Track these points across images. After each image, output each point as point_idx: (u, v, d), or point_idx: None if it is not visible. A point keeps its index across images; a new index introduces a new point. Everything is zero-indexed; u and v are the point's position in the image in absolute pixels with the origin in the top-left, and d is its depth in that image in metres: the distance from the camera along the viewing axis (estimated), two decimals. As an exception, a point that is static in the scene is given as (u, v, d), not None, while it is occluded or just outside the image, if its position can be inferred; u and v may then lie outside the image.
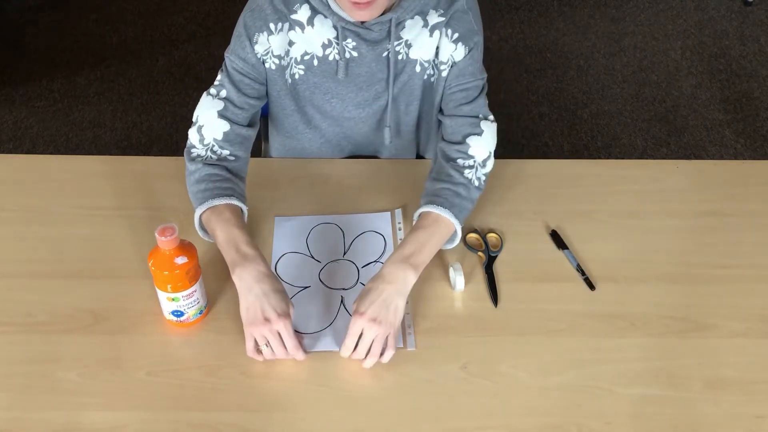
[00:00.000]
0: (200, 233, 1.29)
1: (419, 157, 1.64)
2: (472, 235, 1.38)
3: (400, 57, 1.37)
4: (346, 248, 1.36)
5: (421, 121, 1.51)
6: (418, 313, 1.26)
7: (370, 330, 1.15)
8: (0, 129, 2.77)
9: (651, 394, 1.16)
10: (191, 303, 1.20)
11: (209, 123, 1.32)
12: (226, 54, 1.36)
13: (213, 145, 1.31)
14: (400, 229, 1.40)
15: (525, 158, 1.63)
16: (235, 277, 1.18)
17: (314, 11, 1.32)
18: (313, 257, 1.34)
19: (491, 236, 1.39)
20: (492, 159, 1.37)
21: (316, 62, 1.38)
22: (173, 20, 3.30)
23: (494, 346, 1.22)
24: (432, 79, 1.42)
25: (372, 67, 1.38)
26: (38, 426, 1.10)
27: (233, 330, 1.23)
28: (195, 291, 1.19)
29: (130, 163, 1.53)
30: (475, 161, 1.34)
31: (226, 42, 1.43)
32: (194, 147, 1.32)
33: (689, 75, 3.08)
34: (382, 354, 1.17)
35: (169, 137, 2.75)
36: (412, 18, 1.34)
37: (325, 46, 1.35)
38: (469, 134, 1.35)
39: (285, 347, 1.16)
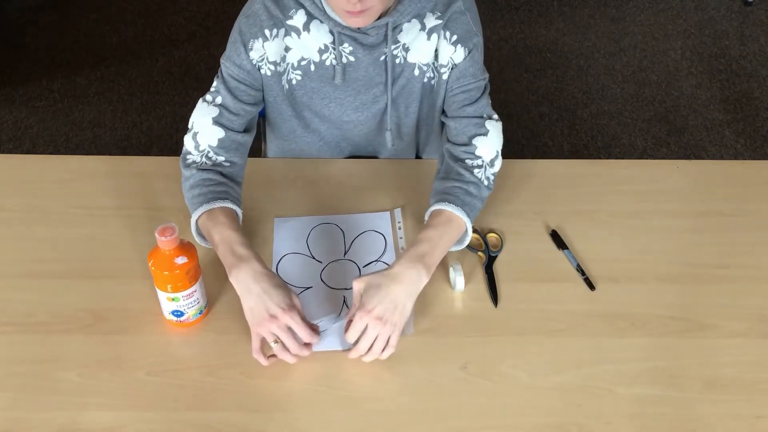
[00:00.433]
0: (198, 239, 1.28)
1: (418, 157, 1.64)
2: (472, 235, 1.38)
3: (397, 61, 1.37)
4: (346, 248, 1.36)
5: (420, 123, 1.51)
6: (418, 313, 1.26)
7: (374, 328, 1.14)
8: (0, 129, 2.77)
9: (651, 394, 1.16)
10: (191, 303, 1.20)
11: (204, 129, 1.31)
12: (221, 60, 1.36)
13: (208, 152, 1.31)
14: (399, 228, 1.40)
15: (525, 158, 1.63)
16: (232, 280, 1.17)
17: (310, 16, 1.32)
18: (313, 258, 1.34)
19: (491, 236, 1.39)
20: (500, 158, 1.37)
21: (313, 67, 1.37)
22: (173, 20, 3.30)
23: (494, 346, 1.22)
24: (432, 83, 1.41)
25: (369, 71, 1.38)
26: (38, 426, 1.10)
27: (233, 330, 1.23)
28: (195, 291, 1.19)
29: (130, 163, 1.53)
30: (483, 161, 1.34)
31: (226, 42, 1.43)
32: (189, 153, 1.32)
33: (689, 75, 3.08)
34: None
35: (169, 137, 2.75)
36: (409, 21, 1.33)
37: (321, 51, 1.35)
38: (475, 135, 1.35)
39: (295, 341, 1.14)
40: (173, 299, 1.18)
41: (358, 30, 1.31)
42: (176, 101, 2.90)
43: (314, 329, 1.17)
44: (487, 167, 1.34)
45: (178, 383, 1.16)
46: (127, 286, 1.29)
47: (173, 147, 2.70)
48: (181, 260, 1.15)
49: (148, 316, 1.24)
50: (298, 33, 1.33)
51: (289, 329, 1.14)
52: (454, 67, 1.37)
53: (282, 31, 1.33)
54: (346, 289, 1.29)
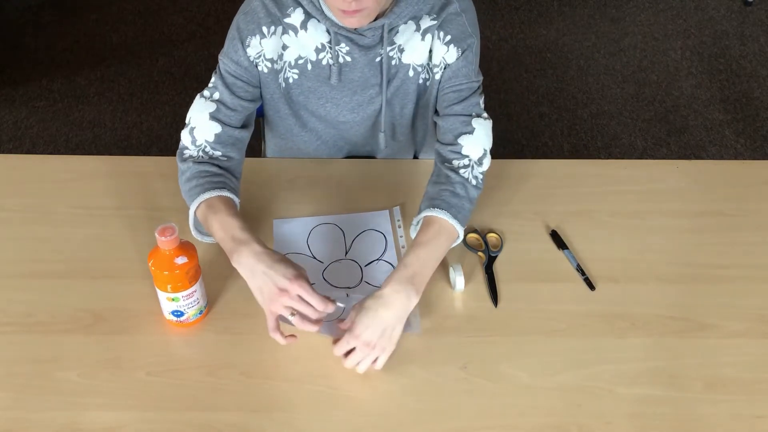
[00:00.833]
0: (194, 234, 1.28)
1: (415, 157, 1.64)
2: (472, 235, 1.38)
3: (393, 62, 1.37)
4: (347, 248, 1.36)
5: (416, 124, 1.51)
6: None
7: (361, 352, 1.15)
8: (0, 129, 2.77)
9: (651, 394, 1.16)
10: (191, 303, 1.20)
11: (201, 125, 1.31)
12: (219, 56, 1.36)
13: (205, 146, 1.31)
14: (399, 227, 1.40)
15: (525, 158, 1.63)
16: (235, 264, 1.16)
17: (308, 15, 1.32)
18: (315, 258, 1.34)
19: (491, 236, 1.39)
20: (488, 157, 1.36)
21: (310, 66, 1.38)
22: (173, 20, 3.30)
23: (494, 346, 1.22)
24: (427, 84, 1.41)
25: (365, 72, 1.38)
26: (38, 426, 1.10)
27: (233, 330, 1.23)
28: (195, 291, 1.19)
29: (130, 163, 1.53)
30: (470, 160, 1.33)
31: (224, 42, 1.43)
32: (186, 148, 1.32)
33: (689, 75, 3.08)
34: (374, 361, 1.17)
35: (169, 137, 2.75)
36: (405, 23, 1.34)
37: (318, 51, 1.35)
38: (461, 133, 1.34)
39: (312, 308, 1.13)
40: (173, 299, 1.18)
41: (355, 31, 1.31)
42: (176, 101, 2.90)
43: (327, 298, 1.14)
44: (475, 166, 1.33)
45: (178, 383, 1.16)
46: (127, 286, 1.29)
47: (173, 147, 2.66)
48: (181, 260, 1.15)
49: (148, 316, 1.24)
50: (296, 31, 1.33)
51: (302, 299, 1.13)
52: (446, 66, 1.37)
53: (279, 29, 1.33)
54: (348, 288, 1.29)
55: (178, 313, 1.21)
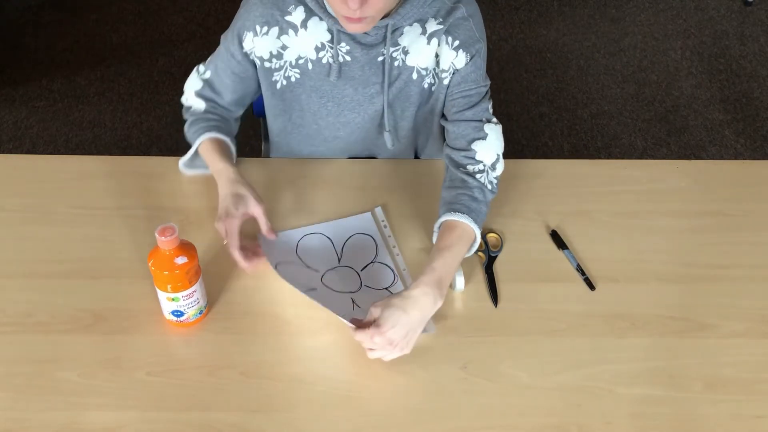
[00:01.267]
0: (182, 168, 1.45)
1: (416, 157, 1.64)
2: (472, 235, 1.38)
3: (396, 63, 1.37)
4: (339, 255, 1.35)
5: (418, 128, 1.51)
6: (418, 313, 1.26)
7: (383, 349, 1.15)
8: (0, 129, 2.77)
9: (651, 394, 1.16)
10: (191, 303, 1.20)
11: (190, 98, 1.47)
12: (221, 37, 1.41)
13: (196, 110, 1.46)
14: (386, 227, 1.39)
15: (525, 158, 1.63)
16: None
17: (309, 13, 1.33)
18: (309, 267, 1.32)
19: (491, 236, 1.39)
20: (501, 161, 1.37)
21: (310, 65, 1.38)
22: (173, 20, 3.30)
23: (494, 346, 1.22)
24: (432, 88, 1.41)
25: (366, 71, 1.38)
26: (38, 426, 1.10)
27: (233, 330, 1.23)
28: (195, 291, 1.19)
29: (130, 163, 1.53)
30: (485, 165, 1.34)
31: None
32: (184, 106, 1.50)
33: (689, 75, 3.08)
34: None
35: (169, 137, 2.74)
36: (411, 25, 1.34)
37: (318, 49, 1.36)
38: (474, 139, 1.35)
39: (233, 246, 1.26)
40: (173, 299, 1.18)
41: None
42: (176, 101, 2.87)
43: (254, 252, 1.28)
44: (489, 171, 1.34)
45: (178, 383, 1.16)
46: (127, 286, 1.29)
47: (173, 147, 2.70)
48: (181, 260, 1.15)
49: (148, 316, 1.24)
50: (296, 30, 1.34)
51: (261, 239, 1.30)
52: (455, 72, 1.37)
53: (275, 29, 1.35)
54: (351, 292, 1.29)
55: (178, 313, 1.21)
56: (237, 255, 1.26)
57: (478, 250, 1.35)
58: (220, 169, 1.34)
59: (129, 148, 2.70)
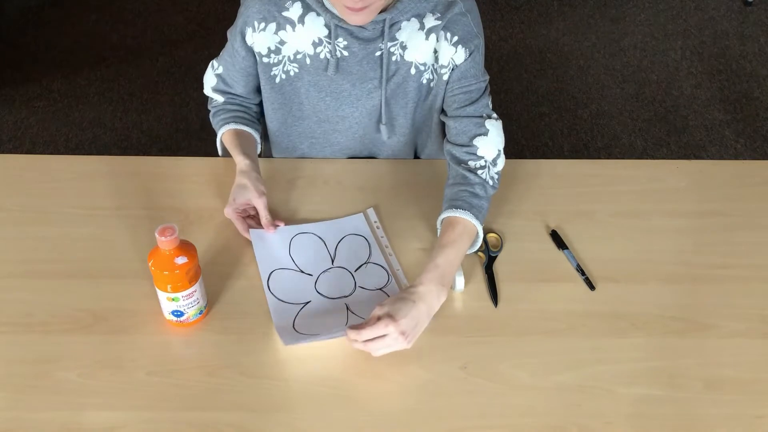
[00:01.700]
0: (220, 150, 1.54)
1: (417, 157, 1.64)
2: (472, 235, 1.38)
3: (394, 58, 1.37)
4: (332, 256, 1.35)
5: (417, 124, 1.51)
6: (418, 313, 1.26)
7: (395, 340, 1.14)
8: (0, 129, 2.77)
9: (651, 394, 1.16)
10: (191, 303, 1.20)
11: (209, 93, 1.52)
12: (228, 32, 1.44)
13: (218, 103, 1.53)
14: (378, 228, 1.39)
15: (525, 158, 1.63)
16: None
17: (307, 8, 1.34)
18: (303, 272, 1.32)
19: (491, 236, 1.39)
20: (502, 157, 1.38)
21: (308, 60, 1.39)
22: (173, 20, 3.30)
23: (494, 346, 1.22)
24: (431, 84, 1.42)
25: (363, 66, 1.38)
26: (38, 426, 1.10)
27: (233, 330, 1.23)
28: (195, 291, 1.19)
29: (130, 163, 1.53)
30: (486, 161, 1.35)
31: (226, 42, 1.44)
32: (209, 99, 1.56)
33: (689, 75, 3.08)
34: None
35: (169, 137, 2.75)
36: (408, 20, 1.34)
37: (315, 45, 1.37)
38: (476, 135, 1.36)
39: (241, 227, 1.36)
40: (173, 299, 1.18)
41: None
42: (176, 101, 2.90)
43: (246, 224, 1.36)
44: (491, 167, 1.35)
45: (178, 383, 1.16)
46: (127, 286, 1.29)
47: (173, 147, 2.70)
48: (181, 260, 1.15)
49: (148, 316, 1.24)
50: (293, 25, 1.35)
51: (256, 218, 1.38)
52: (455, 67, 1.37)
53: (273, 25, 1.36)
54: (345, 296, 1.28)
55: (178, 313, 1.21)
56: (246, 236, 1.36)
57: (478, 250, 1.35)
58: (236, 161, 1.41)
59: (129, 148, 2.70)
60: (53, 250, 1.35)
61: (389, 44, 1.35)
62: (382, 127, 1.47)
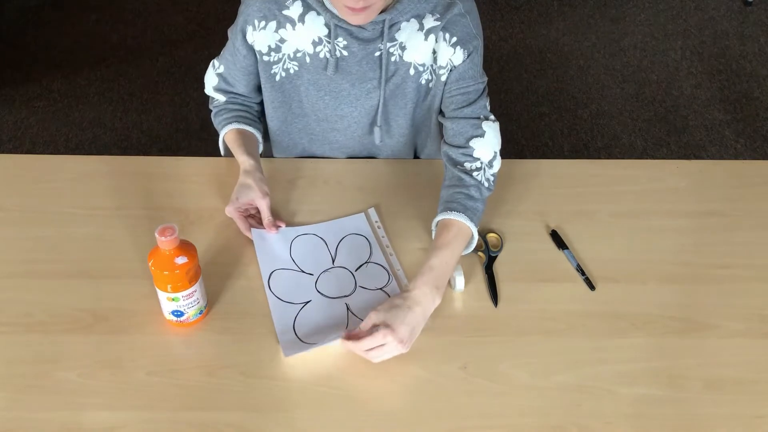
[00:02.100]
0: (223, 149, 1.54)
1: (416, 157, 1.64)
2: (472, 235, 1.38)
3: (393, 59, 1.37)
4: (333, 256, 1.35)
5: (416, 125, 1.51)
6: (418, 313, 1.26)
7: (394, 348, 1.15)
8: (0, 129, 2.77)
9: (651, 394, 1.16)
10: (191, 303, 1.20)
11: (210, 92, 1.53)
12: (228, 31, 1.44)
13: (219, 103, 1.53)
14: (379, 228, 1.39)
15: (525, 158, 1.63)
16: None
17: (307, 7, 1.34)
18: (303, 271, 1.32)
19: (491, 236, 1.39)
20: (498, 159, 1.38)
21: (308, 59, 1.39)
22: (173, 20, 3.30)
23: (494, 346, 1.22)
24: (430, 85, 1.42)
25: (363, 66, 1.38)
26: (38, 426, 1.10)
27: (233, 330, 1.23)
28: (195, 291, 1.19)
29: (130, 163, 1.53)
30: (482, 163, 1.35)
31: (226, 42, 1.44)
32: (210, 98, 1.56)
33: (689, 75, 3.08)
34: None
35: (169, 137, 2.75)
36: (408, 21, 1.34)
37: (315, 44, 1.37)
38: (472, 136, 1.36)
39: (242, 226, 1.37)
40: (173, 299, 1.18)
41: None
42: (176, 101, 2.90)
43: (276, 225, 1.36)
44: (486, 168, 1.35)
45: (178, 383, 1.16)
46: (127, 286, 1.29)
47: (173, 147, 2.70)
48: (181, 260, 1.15)
49: (148, 316, 1.24)
50: (293, 24, 1.35)
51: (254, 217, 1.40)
52: (453, 68, 1.37)
53: (273, 24, 1.36)
54: (345, 296, 1.29)
55: (178, 313, 1.21)
56: (247, 235, 1.36)
57: (478, 250, 1.35)
58: (240, 161, 1.42)
59: (129, 148, 2.71)
60: (53, 250, 1.35)
61: (388, 45, 1.35)
62: (376, 129, 1.47)
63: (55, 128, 2.78)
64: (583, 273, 1.33)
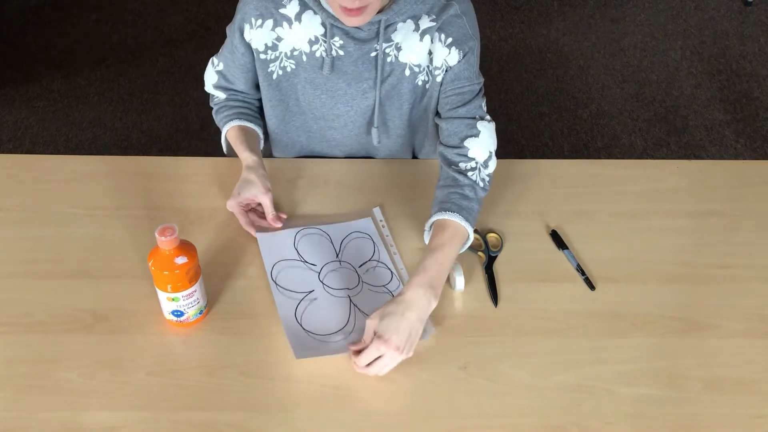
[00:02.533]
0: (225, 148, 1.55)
1: (414, 157, 1.64)
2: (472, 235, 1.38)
3: (389, 59, 1.37)
4: (338, 251, 1.35)
5: (413, 125, 1.51)
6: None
7: (392, 359, 1.14)
8: (0, 129, 2.77)
9: (651, 394, 1.16)
10: (191, 303, 1.20)
11: (210, 90, 1.53)
12: (227, 28, 1.44)
13: (219, 100, 1.53)
14: (384, 227, 1.39)
15: (525, 158, 1.63)
16: None
17: (304, 6, 1.34)
18: (307, 262, 1.33)
19: (491, 236, 1.39)
20: (494, 159, 1.37)
21: (305, 58, 1.39)
22: (173, 20, 3.30)
23: (494, 346, 1.22)
24: (426, 86, 1.42)
25: (358, 66, 1.38)
26: (38, 426, 1.10)
27: (233, 330, 1.23)
28: (195, 291, 1.19)
29: (130, 163, 1.53)
30: (477, 163, 1.34)
31: (225, 41, 1.45)
32: (210, 95, 1.56)
33: (689, 75, 3.08)
34: None
35: (169, 137, 2.75)
36: (404, 22, 1.34)
37: (311, 43, 1.37)
38: (467, 136, 1.36)
39: (242, 221, 1.37)
40: (173, 299, 1.18)
41: None
42: (176, 101, 2.90)
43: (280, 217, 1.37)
44: (481, 168, 1.34)
45: (178, 383, 1.16)
46: (127, 286, 1.29)
47: (173, 147, 2.70)
48: (181, 260, 1.15)
49: (148, 316, 1.24)
50: (290, 23, 1.35)
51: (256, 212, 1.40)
52: (448, 69, 1.37)
53: (270, 22, 1.36)
54: (348, 289, 1.29)
55: (178, 313, 1.21)
56: (248, 229, 1.37)
57: (478, 250, 1.35)
58: (242, 157, 1.42)
59: (129, 148, 2.71)
60: (53, 250, 1.35)
61: (384, 45, 1.35)
62: (374, 131, 1.47)
63: (55, 128, 2.78)
64: (583, 273, 1.33)
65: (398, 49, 1.37)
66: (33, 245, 1.35)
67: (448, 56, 1.36)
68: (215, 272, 1.30)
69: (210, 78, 1.51)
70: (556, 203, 1.46)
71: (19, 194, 1.45)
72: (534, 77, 3.05)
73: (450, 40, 1.35)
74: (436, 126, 1.48)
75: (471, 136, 1.35)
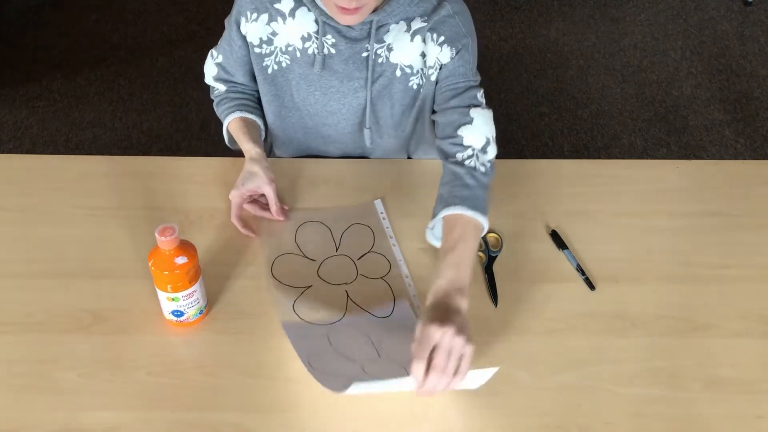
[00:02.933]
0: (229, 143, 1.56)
1: (409, 158, 1.64)
2: (472, 235, 1.38)
3: (380, 60, 1.37)
4: (337, 244, 1.36)
5: (406, 127, 1.51)
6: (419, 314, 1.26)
7: (452, 338, 1.05)
8: (0, 129, 2.77)
9: (651, 394, 1.16)
10: (191, 303, 1.20)
11: (210, 82, 1.55)
12: (225, 21, 1.46)
13: (219, 91, 1.55)
14: (384, 219, 1.40)
15: (525, 158, 1.63)
16: None
17: (298, 2, 1.35)
18: (306, 257, 1.34)
19: (491, 236, 1.39)
20: (493, 145, 1.33)
21: (298, 54, 1.40)
22: (173, 20, 3.30)
23: (494, 346, 1.22)
24: (421, 90, 1.41)
25: (349, 65, 1.38)
26: (38, 426, 1.10)
27: (233, 330, 1.23)
28: (195, 291, 1.19)
29: (130, 163, 1.53)
30: (473, 150, 1.30)
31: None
32: (211, 87, 1.58)
33: (689, 75, 3.08)
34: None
35: (169, 137, 2.74)
36: (397, 23, 1.34)
37: (304, 39, 1.37)
38: (460, 125, 1.33)
39: (234, 213, 1.36)
40: (173, 299, 1.18)
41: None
42: (176, 101, 2.90)
43: (249, 227, 1.37)
44: (480, 155, 1.30)
45: (178, 383, 1.16)
46: (127, 286, 1.29)
47: (173, 147, 2.70)
48: (181, 260, 1.15)
49: (148, 316, 1.24)
50: (284, 18, 1.36)
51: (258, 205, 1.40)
52: (441, 66, 1.37)
53: (265, 16, 1.37)
54: (345, 283, 1.29)
55: (178, 313, 1.21)
56: (235, 222, 1.36)
57: (478, 250, 1.35)
58: (246, 149, 1.43)
59: (129, 148, 2.70)
60: (53, 250, 1.35)
61: (376, 46, 1.35)
62: (366, 132, 1.47)
63: (55, 128, 2.78)
64: (583, 273, 1.33)
65: (389, 50, 1.36)
66: (33, 245, 1.35)
67: (440, 54, 1.36)
68: (215, 272, 1.30)
69: (210, 70, 1.53)
70: (556, 203, 1.46)
71: (19, 194, 1.45)
72: (534, 77, 3.05)
73: (442, 38, 1.34)
74: (433, 131, 1.48)
75: (464, 124, 1.32)
